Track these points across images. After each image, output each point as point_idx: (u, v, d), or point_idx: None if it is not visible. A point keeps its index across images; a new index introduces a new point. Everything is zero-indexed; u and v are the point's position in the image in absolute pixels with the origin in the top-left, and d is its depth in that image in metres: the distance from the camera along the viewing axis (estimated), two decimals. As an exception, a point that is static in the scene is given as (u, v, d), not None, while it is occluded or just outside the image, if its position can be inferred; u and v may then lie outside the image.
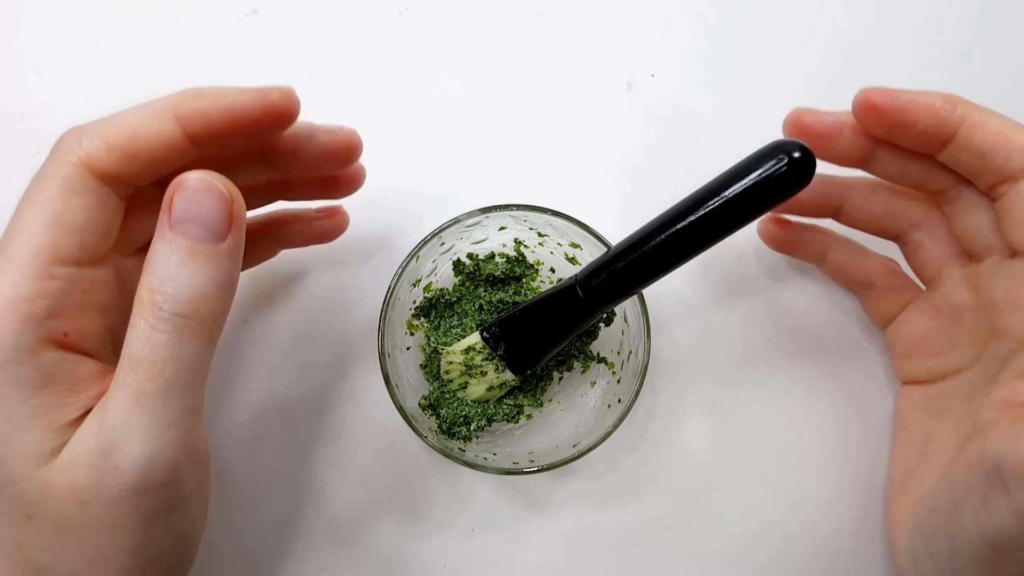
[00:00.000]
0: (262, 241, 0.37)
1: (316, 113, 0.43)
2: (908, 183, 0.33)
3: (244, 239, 0.25)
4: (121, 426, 0.24)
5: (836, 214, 0.36)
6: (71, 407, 0.25)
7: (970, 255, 0.33)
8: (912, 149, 0.31)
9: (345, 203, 0.42)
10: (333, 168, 0.32)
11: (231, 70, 0.43)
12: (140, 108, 0.26)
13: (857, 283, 0.38)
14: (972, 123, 0.29)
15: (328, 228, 0.37)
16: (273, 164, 0.31)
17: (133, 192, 0.27)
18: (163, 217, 0.24)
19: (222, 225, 0.24)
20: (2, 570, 0.26)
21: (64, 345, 0.25)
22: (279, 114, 0.27)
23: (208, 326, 0.25)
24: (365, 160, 0.42)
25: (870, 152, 0.32)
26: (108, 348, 0.27)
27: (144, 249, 0.27)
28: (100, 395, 0.25)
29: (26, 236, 0.24)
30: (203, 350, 0.25)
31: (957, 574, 0.29)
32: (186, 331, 0.24)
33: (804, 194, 0.28)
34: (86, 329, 0.26)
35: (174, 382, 0.24)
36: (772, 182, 0.27)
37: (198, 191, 0.24)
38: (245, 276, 0.41)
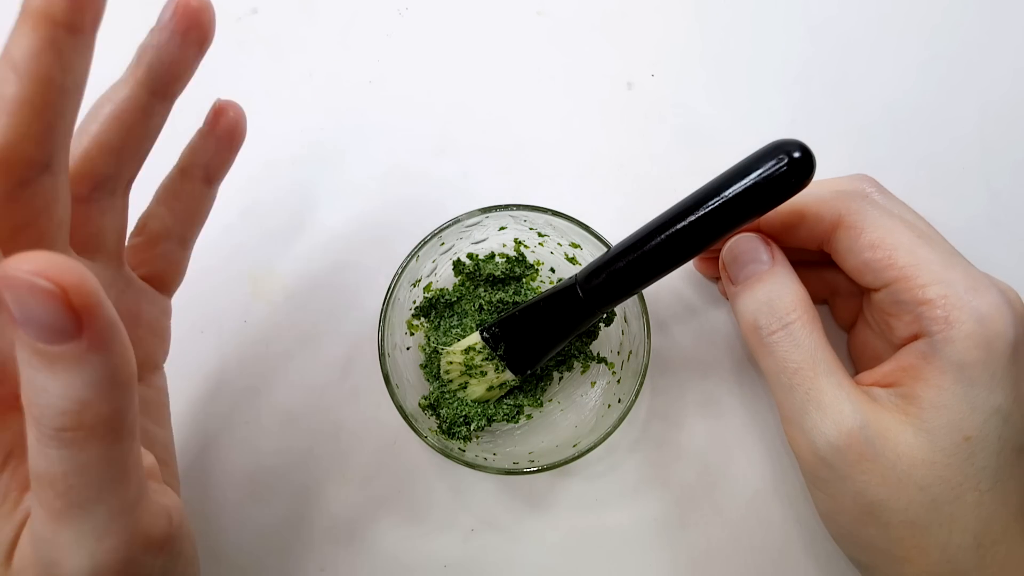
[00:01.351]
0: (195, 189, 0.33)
1: (316, 113, 0.43)
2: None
3: (113, 319, 0.19)
4: (51, 541, 0.22)
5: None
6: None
7: None
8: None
9: (349, 203, 0.42)
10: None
11: (231, 70, 0.43)
12: None
13: (824, 290, 0.38)
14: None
15: (229, 128, 0.32)
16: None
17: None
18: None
19: (66, 323, 0.18)
20: None
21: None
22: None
23: (101, 432, 0.20)
24: (365, 159, 0.42)
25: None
26: None
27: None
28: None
29: None
30: (109, 453, 0.21)
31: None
32: (76, 443, 0.20)
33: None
34: None
35: (87, 494, 0.21)
36: (772, 182, 0.27)
37: (20, 291, 0.18)
38: (245, 276, 0.41)
